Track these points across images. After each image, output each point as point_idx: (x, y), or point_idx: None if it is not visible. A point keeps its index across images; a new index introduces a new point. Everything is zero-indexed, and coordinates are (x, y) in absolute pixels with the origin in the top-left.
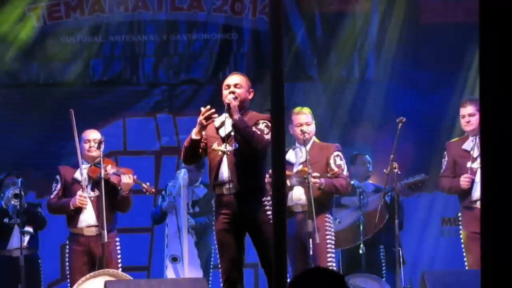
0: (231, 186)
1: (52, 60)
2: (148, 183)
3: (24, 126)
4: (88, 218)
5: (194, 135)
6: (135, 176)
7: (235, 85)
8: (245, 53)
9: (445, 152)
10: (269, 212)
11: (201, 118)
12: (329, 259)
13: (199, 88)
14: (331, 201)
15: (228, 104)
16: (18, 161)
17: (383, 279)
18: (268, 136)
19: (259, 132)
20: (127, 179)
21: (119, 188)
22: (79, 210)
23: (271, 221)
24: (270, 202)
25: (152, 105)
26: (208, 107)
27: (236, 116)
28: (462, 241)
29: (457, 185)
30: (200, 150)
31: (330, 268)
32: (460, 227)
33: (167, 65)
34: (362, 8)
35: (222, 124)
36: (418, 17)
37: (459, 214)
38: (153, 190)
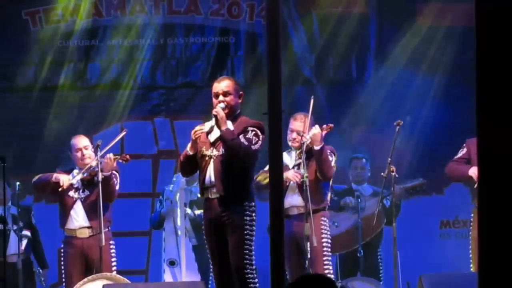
0: (214, 190)
1: (50, 63)
2: (127, 156)
3: (21, 129)
4: (80, 219)
5: (189, 150)
6: (111, 154)
7: (224, 93)
8: (242, 57)
9: (464, 145)
10: (248, 217)
11: (192, 135)
12: (325, 262)
13: (196, 92)
14: (324, 199)
15: (215, 116)
16: (15, 165)
17: (381, 282)
18: (256, 146)
19: (246, 143)
20: (107, 159)
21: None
22: (70, 210)
23: (247, 226)
24: (253, 207)
25: (149, 108)
26: (201, 127)
27: (224, 127)
28: (470, 242)
29: (464, 171)
30: (196, 161)
31: (324, 274)
32: (471, 228)
33: (164, 68)
34: (360, 11)
35: (212, 129)
36: (416, 20)
37: (472, 215)
38: (127, 156)
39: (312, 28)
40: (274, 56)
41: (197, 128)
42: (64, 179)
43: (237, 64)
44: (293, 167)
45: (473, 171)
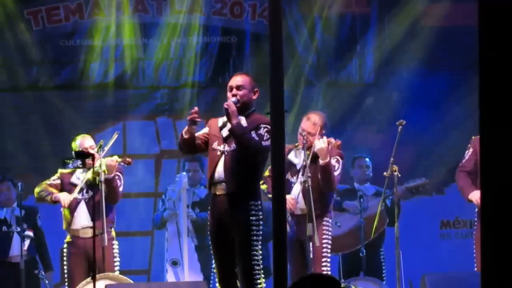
0: (223, 186)
1: (52, 63)
2: (128, 159)
3: (24, 130)
4: (83, 220)
5: (184, 134)
6: (115, 156)
7: (237, 87)
8: (244, 57)
9: (469, 145)
10: (254, 217)
11: (189, 116)
12: (323, 263)
13: (199, 92)
14: (329, 204)
15: (226, 109)
16: (18, 165)
17: (384, 282)
18: (267, 142)
19: (257, 138)
20: (110, 161)
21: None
22: (74, 211)
23: (254, 227)
24: (259, 206)
25: (152, 108)
26: (196, 109)
27: (234, 121)
28: (474, 242)
29: (466, 193)
30: (197, 144)
31: (327, 273)
32: (472, 228)
33: (167, 68)
34: (361, 11)
35: (225, 124)
36: (418, 21)
37: (476, 216)
38: (129, 160)
39: (314, 29)
40: (276, 56)
41: (194, 110)
42: (65, 199)
43: (239, 64)
44: (299, 169)
45: (474, 196)
